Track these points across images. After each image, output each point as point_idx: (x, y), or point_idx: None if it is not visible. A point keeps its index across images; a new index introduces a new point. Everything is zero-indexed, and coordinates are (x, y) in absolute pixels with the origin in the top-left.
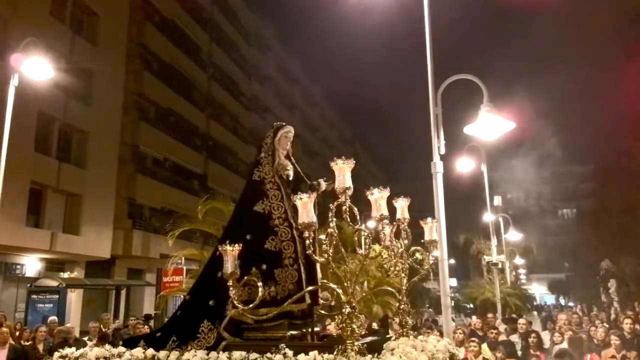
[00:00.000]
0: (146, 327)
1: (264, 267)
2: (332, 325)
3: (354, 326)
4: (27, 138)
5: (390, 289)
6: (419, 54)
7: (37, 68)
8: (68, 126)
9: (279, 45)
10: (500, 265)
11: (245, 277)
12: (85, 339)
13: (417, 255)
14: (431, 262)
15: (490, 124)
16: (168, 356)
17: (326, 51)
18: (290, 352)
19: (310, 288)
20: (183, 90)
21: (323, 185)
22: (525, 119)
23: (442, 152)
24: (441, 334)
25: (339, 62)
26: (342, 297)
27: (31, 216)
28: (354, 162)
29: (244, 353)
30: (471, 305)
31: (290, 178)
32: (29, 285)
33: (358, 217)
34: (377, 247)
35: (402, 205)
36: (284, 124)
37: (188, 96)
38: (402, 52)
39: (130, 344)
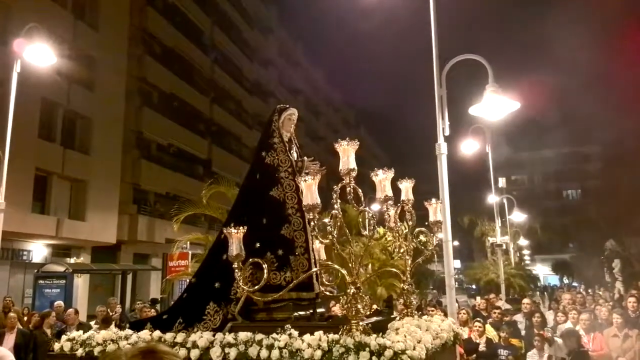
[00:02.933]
0: (152, 310)
1: (280, 252)
2: (337, 306)
3: (359, 306)
4: (31, 125)
5: (394, 270)
6: (425, 34)
7: (39, 54)
8: (72, 112)
9: (282, 28)
10: (504, 247)
11: (250, 260)
12: (92, 322)
13: (422, 237)
14: (435, 243)
15: (496, 105)
16: (175, 338)
17: (329, 34)
18: (295, 333)
19: (313, 270)
20: (186, 74)
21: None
22: (530, 100)
23: (447, 133)
24: (445, 314)
25: (342, 45)
26: (347, 278)
27: (37, 203)
28: (358, 143)
29: (249, 334)
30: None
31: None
32: (36, 271)
33: (362, 199)
34: (381, 229)
35: (406, 186)
36: (287, 106)
37: (191, 81)
38: (407, 33)
39: (137, 326)
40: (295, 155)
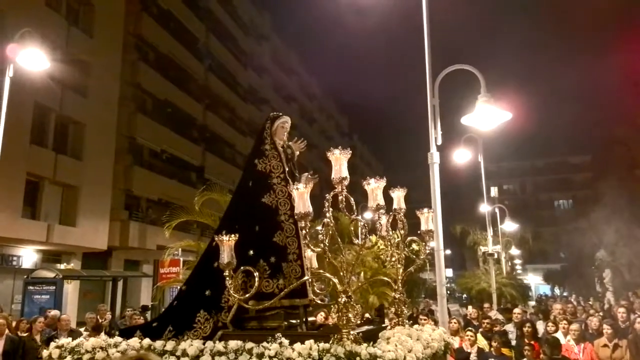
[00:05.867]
0: (142, 318)
1: (273, 259)
2: (320, 315)
3: (350, 315)
4: (23, 129)
5: (386, 279)
6: (417, 44)
7: (32, 59)
8: (64, 118)
9: (276, 36)
10: (496, 256)
11: (242, 268)
12: (82, 329)
13: (414, 245)
14: (427, 252)
15: (488, 115)
16: (164, 346)
17: (323, 42)
18: (286, 342)
19: (306, 277)
20: (180, 81)
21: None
22: (522, 109)
23: (439, 142)
24: (436, 323)
25: (336, 53)
26: (338, 286)
27: (27, 208)
28: (351, 152)
29: (240, 342)
30: (466, 295)
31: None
32: (25, 276)
33: (355, 207)
34: (373, 237)
35: (398, 195)
36: (280, 114)
37: (185, 87)
38: (400, 43)
39: (127, 334)
40: (288, 166)
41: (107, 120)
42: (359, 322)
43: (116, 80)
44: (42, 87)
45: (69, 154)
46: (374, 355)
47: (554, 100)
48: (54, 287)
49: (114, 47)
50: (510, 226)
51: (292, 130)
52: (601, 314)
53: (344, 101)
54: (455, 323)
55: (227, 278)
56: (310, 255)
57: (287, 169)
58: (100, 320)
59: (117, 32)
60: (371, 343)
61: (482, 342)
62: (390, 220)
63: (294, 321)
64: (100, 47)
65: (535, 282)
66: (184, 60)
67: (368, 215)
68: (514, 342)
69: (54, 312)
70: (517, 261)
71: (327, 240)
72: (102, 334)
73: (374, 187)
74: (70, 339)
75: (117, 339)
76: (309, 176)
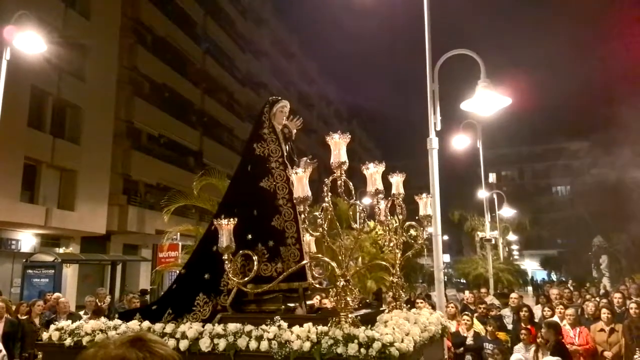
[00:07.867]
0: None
1: (271, 243)
2: (316, 298)
3: (348, 299)
4: (21, 113)
5: (384, 263)
6: (417, 29)
7: (29, 42)
8: (62, 101)
9: (276, 20)
10: (493, 241)
11: (241, 251)
12: (82, 312)
13: (412, 230)
14: (425, 237)
15: (487, 100)
16: (164, 328)
17: (323, 27)
18: (284, 324)
19: (302, 263)
20: (178, 65)
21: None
22: (522, 95)
23: (438, 128)
24: (433, 308)
25: (336, 38)
26: (337, 271)
27: (26, 192)
28: (350, 137)
29: (239, 325)
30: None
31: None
32: (24, 260)
33: (353, 192)
34: (371, 222)
35: (397, 180)
36: (279, 98)
37: (183, 71)
38: (401, 27)
39: (126, 316)
40: (287, 148)
41: (104, 104)
42: (357, 305)
43: (113, 63)
44: (39, 70)
45: (66, 137)
46: (372, 338)
47: (553, 87)
48: (53, 271)
49: (111, 30)
50: (508, 212)
51: (290, 115)
52: (597, 299)
53: (343, 86)
54: (452, 307)
55: (226, 262)
56: (308, 240)
57: (285, 153)
58: (100, 304)
59: (114, 14)
60: (369, 326)
61: (478, 326)
62: (388, 206)
63: (291, 305)
64: (97, 30)
65: (532, 267)
66: (182, 43)
67: (367, 200)
68: (510, 327)
69: (56, 295)
70: (515, 247)
71: (325, 225)
72: (103, 317)
73: (373, 171)
74: (69, 321)
75: (117, 321)
76: (308, 161)
